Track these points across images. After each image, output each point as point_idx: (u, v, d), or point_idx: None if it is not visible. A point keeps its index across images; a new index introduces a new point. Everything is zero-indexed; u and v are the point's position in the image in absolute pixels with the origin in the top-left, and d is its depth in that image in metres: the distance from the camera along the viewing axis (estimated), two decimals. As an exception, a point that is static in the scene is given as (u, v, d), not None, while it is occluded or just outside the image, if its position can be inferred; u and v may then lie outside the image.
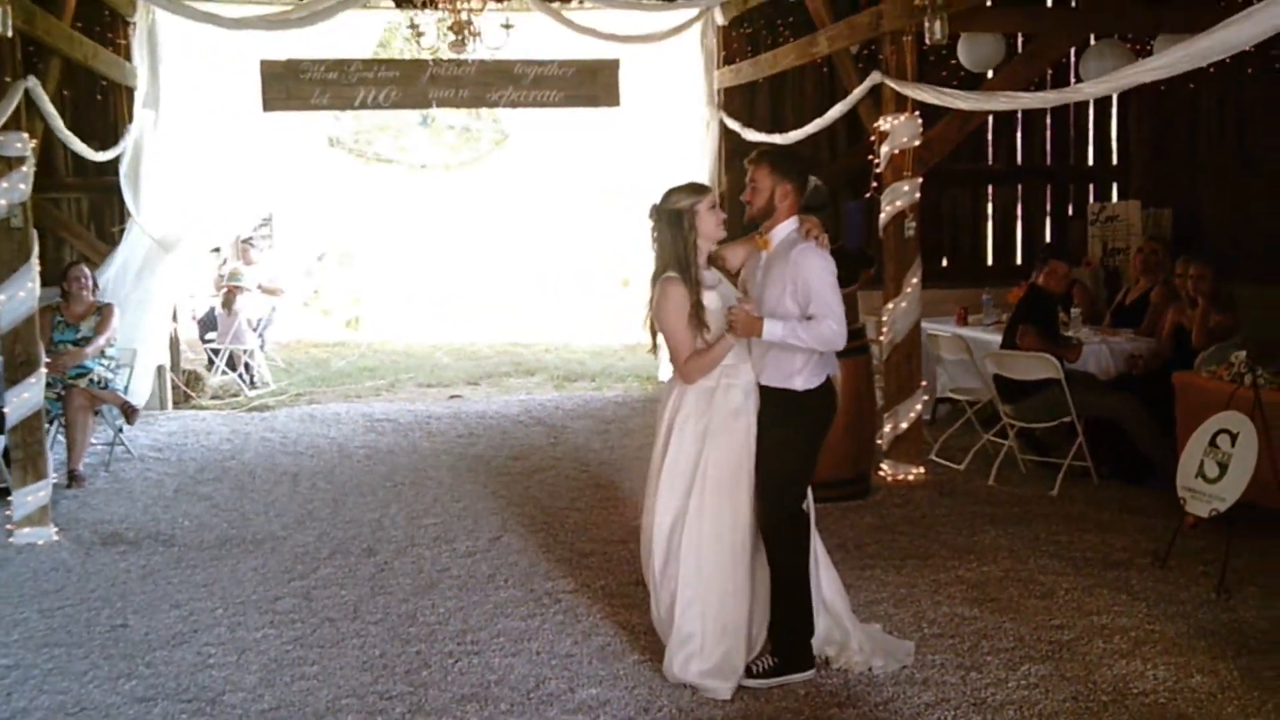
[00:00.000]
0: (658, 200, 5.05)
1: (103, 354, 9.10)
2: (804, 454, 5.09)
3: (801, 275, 4.94)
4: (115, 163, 10.63)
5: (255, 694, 5.00)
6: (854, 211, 10.65)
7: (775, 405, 5.03)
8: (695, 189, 5.05)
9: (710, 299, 4.95)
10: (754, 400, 5.03)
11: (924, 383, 8.57)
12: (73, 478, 8.48)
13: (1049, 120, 13.09)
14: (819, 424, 5.13)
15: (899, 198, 8.27)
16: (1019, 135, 13.14)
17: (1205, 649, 5.27)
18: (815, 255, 4.98)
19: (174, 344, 11.77)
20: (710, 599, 4.94)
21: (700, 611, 4.94)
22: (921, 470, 8.36)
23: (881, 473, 8.33)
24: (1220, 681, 4.95)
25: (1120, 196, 12.96)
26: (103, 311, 9.15)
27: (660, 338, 5.08)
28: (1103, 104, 13.13)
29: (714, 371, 4.96)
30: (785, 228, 5.10)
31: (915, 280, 8.37)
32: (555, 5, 10.95)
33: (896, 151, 8.23)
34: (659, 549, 5.02)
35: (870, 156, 8.60)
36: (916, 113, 8.21)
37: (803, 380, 5.01)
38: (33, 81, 7.49)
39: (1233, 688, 4.88)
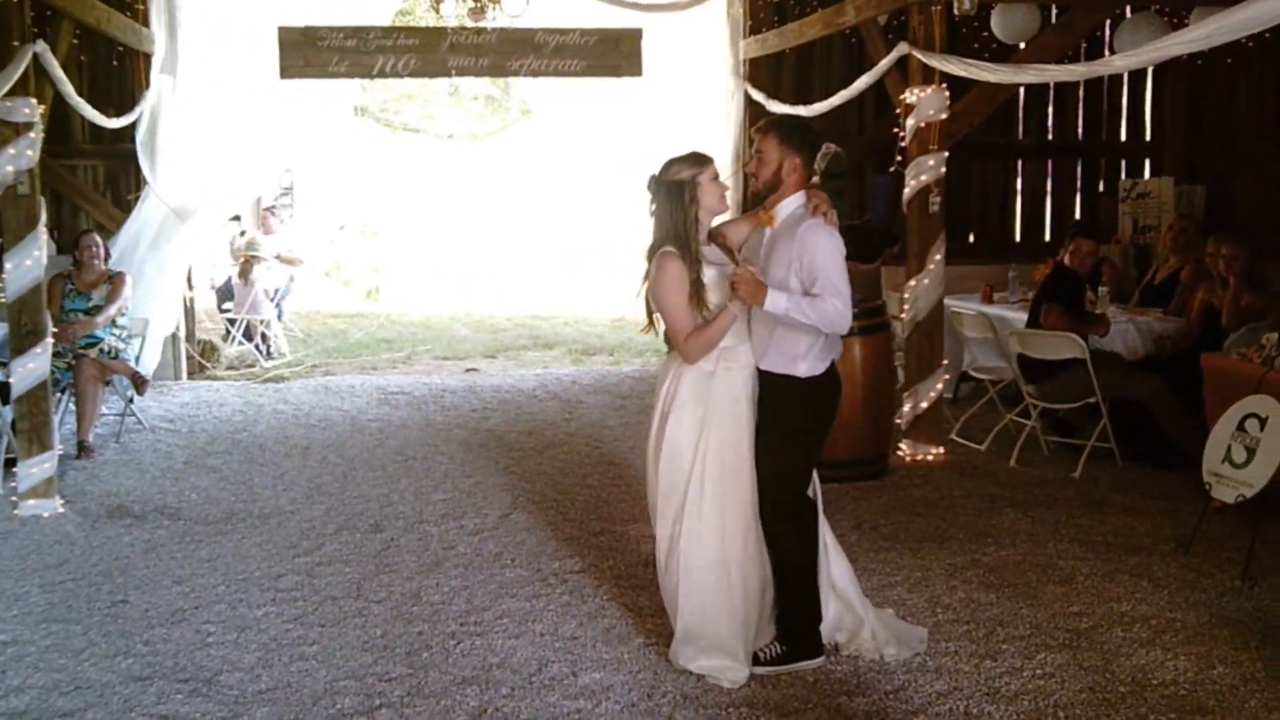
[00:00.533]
0: (656, 170, 4.83)
1: (114, 323, 8.99)
2: (806, 443, 4.93)
3: (808, 252, 4.71)
4: (132, 129, 10.53)
5: (253, 674, 4.91)
6: (882, 186, 10.44)
7: (776, 392, 4.85)
8: (697, 159, 4.81)
9: (710, 276, 4.74)
10: (754, 385, 4.87)
11: (945, 361, 8.40)
12: (82, 449, 8.41)
13: (1081, 94, 12.84)
14: (822, 412, 4.96)
15: (924, 172, 8.08)
16: (1050, 109, 12.89)
17: (1228, 639, 5.14)
18: (823, 232, 4.75)
19: (190, 313, 11.68)
20: (715, 590, 4.80)
21: (704, 603, 4.80)
22: (941, 450, 8.21)
23: (900, 452, 8.19)
24: (1243, 673, 4.82)
25: (1153, 173, 12.71)
26: (114, 280, 9.05)
27: (658, 315, 4.92)
28: (1136, 78, 12.85)
29: (712, 354, 4.78)
30: (791, 203, 4.88)
31: (939, 257, 8.18)
32: (577, -29, 10.81)
33: (922, 125, 8.03)
34: (662, 540, 4.88)
35: (896, 129, 8.40)
36: (943, 85, 8.00)
37: (806, 366, 4.82)
38: (41, 46, 7.35)
39: (1255, 679, 4.76)
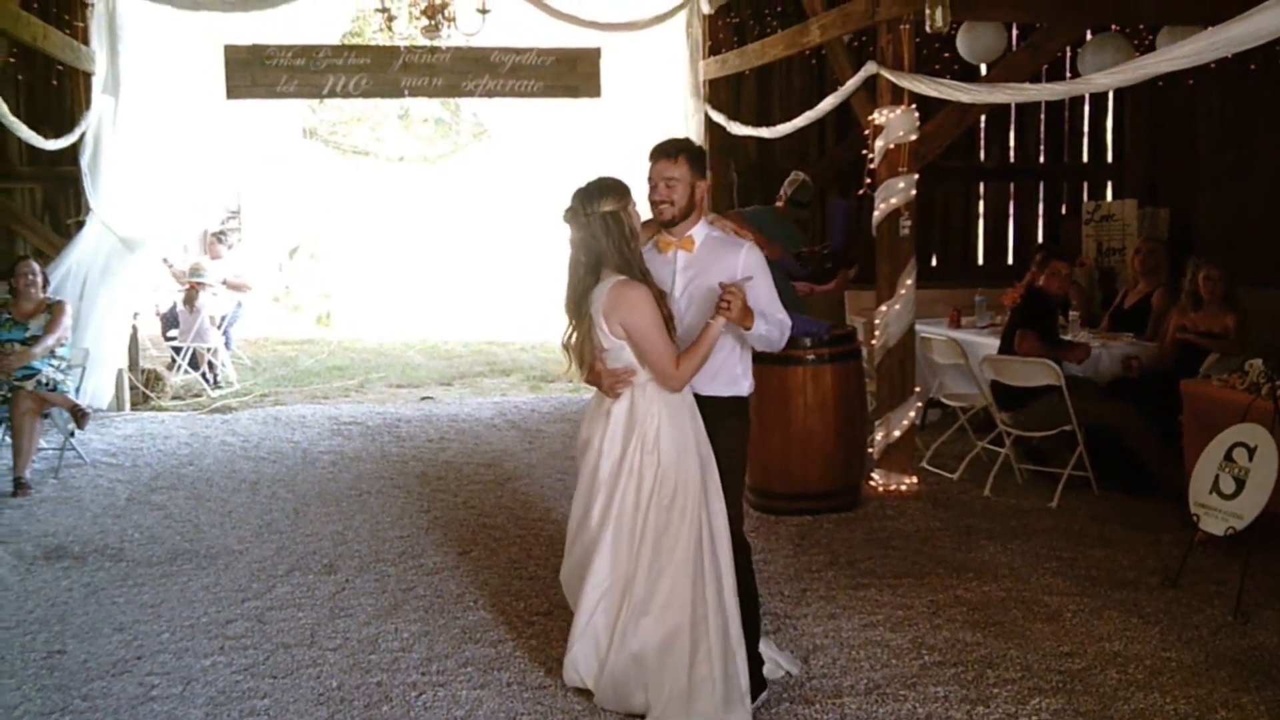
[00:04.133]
0: (576, 202, 4.52)
1: (52, 354, 8.61)
2: (746, 462, 4.97)
3: (757, 274, 4.66)
4: (71, 151, 10.18)
5: (199, 731, 4.59)
6: (840, 209, 10.30)
7: (728, 414, 4.74)
8: (622, 189, 4.52)
9: None
10: None
11: (917, 388, 8.19)
12: (18, 485, 8.02)
13: (1043, 116, 12.77)
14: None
15: (894, 194, 7.88)
16: (1012, 131, 12.82)
17: (1226, 679, 4.93)
18: (759, 254, 4.74)
19: (134, 341, 11.29)
20: (738, 637, 4.51)
21: (734, 651, 4.49)
22: (914, 480, 7.99)
23: (872, 483, 7.96)
24: (1246, 717, 4.63)
25: (1115, 195, 12.65)
26: (53, 309, 8.67)
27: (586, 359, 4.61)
28: (1098, 100, 12.84)
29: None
30: (703, 227, 4.76)
31: (910, 282, 7.99)
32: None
33: (892, 146, 7.83)
34: (677, 599, 4.48)
35: (864, 151, 8.20)
36: (913, 106, 7.82)
37: (748, 384, 4.83)
38: (-27, 63, 7.03)
39: (1260, 725, 4.55)
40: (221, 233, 13.97)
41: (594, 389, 4.71)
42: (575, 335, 4.60)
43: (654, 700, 4.50)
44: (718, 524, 4.54)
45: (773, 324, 4.62)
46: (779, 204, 9.08)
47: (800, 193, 9.18)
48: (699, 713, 4.42)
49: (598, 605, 4.62)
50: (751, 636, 4.70)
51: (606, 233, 4.44)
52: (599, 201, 4.46)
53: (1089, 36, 10.12)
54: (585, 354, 4.58)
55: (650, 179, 4.70)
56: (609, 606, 4.60)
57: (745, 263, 4.62)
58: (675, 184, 4.63)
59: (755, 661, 4.72)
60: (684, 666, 4.44)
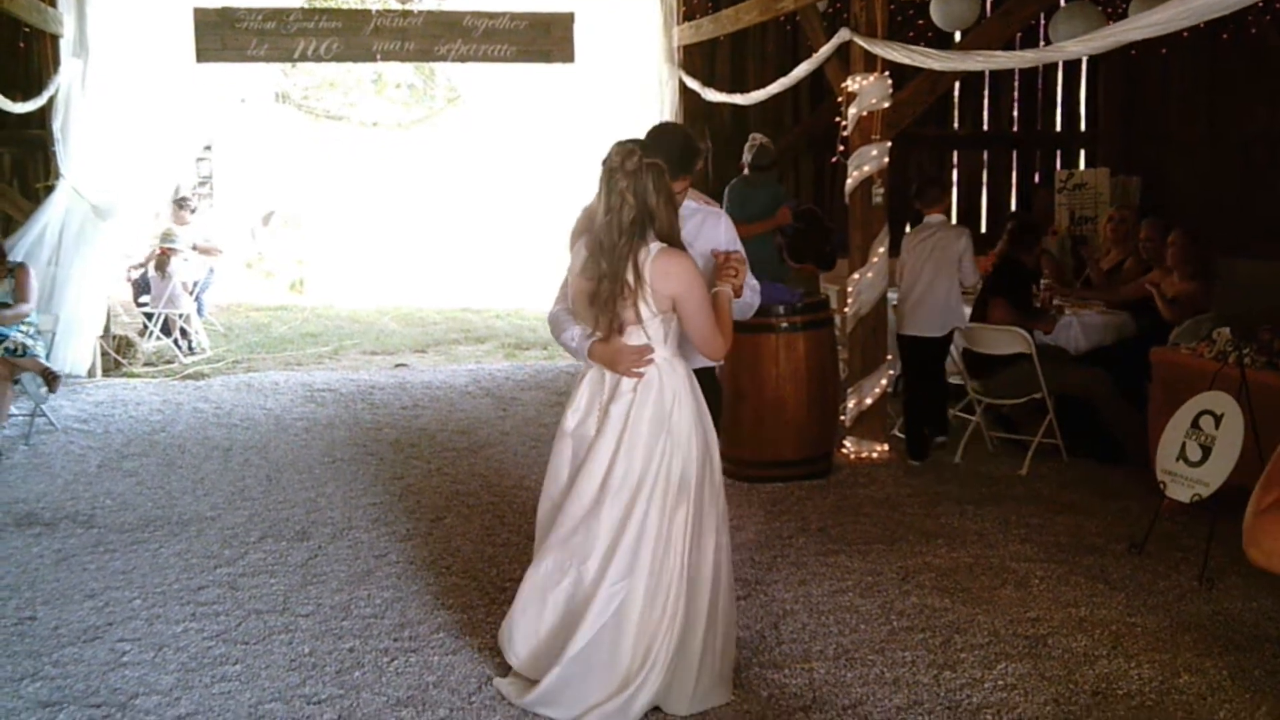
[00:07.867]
0: (633, 146, 4.21)
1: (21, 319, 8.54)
2: None
3: (725, 241, 4.77)
4: (40, 115, 10.06)
5: (171, 697, 4.59)
6: None
7: (705, 386, 4.65)
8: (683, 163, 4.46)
9: None
10: None
11: (889, 356, 8.22)
12: (-12, 451, 7.99)
13: (1016, 84, 12.79)
14: None
15: (866, 162, 7.88)
16: (986, 99, 12.83)
17: (1190, 644, 5.00)
18: (731, 223, 4.88)
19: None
20: (728, 607, 4.51)
21: (718, 628, 4.47)
22: (885, 447, 8.03)
23: (844, 450, 7.99)
24: (1209, 681, 4.68)
25: (1088, 164, 12.70)
26: (17, 274, 8.56)
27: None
28: (1072, 69, 12.86)
29: (677, 349, 4.42)
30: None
31: (882, 250, 8.00)
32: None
33: (864, 113, 7.82)
34: (707, 558, 4.38)
35: (837, 118, 8.20)
36: (886, 73, 7.81)
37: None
38: (-62, 26, 6.93)
39: (1222, 688, 4.62)
40: (184, 199, 13.84)
41: (580, 363, 4.51)
42: (608, 298, 4.21)
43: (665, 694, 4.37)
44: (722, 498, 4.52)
45: (753, 291, 4.73)
46: (745, 172, 9.13)
47: (759, 156, 9.25)
48: (701, 693, 4.40)
49: (607, 619, 4.27)
50: None
51: (658, 190, 4.15)
52: (651, 154, 4.21)
53: (1062, 4, 10.13)
54: (615, 320, 4.22)
55: None
56: (619, 620, 4.27)
57: (727, 233, 4.70)
58: None
59: None
60: (696, 651, 4.35)
